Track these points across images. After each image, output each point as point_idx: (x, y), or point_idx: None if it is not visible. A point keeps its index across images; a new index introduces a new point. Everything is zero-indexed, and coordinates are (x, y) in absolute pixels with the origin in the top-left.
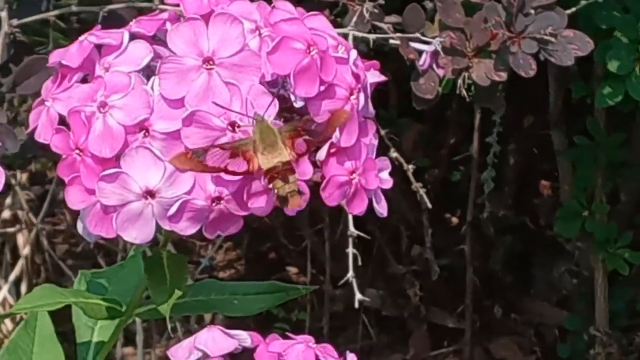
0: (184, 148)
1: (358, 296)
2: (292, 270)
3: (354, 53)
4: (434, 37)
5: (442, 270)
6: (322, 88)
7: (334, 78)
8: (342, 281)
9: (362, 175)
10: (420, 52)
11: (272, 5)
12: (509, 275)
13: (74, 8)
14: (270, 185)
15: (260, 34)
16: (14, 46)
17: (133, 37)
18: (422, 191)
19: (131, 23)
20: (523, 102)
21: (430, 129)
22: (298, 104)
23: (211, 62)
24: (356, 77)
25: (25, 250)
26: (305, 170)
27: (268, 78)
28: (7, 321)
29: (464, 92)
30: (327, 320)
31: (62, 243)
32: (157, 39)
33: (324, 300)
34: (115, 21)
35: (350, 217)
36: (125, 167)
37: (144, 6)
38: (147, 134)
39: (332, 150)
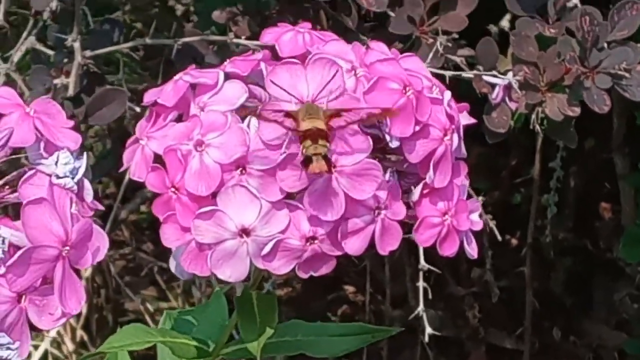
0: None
1: (428, 330)
2: (350, 289)
3: (448, 94)
4: (506, 71)
5: (502, 291)
6: (417, 128)
7: (429, 118)
8: (412, 315)
9: (454, 217)
10: (492, 86)
11: (367, 45)
12: (569, 298)
13: (148, 40)
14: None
15: (356, 74)
16: (87, 77)
17: (227, 77)
18: (492, 224)
19: (225, 63)
20: (585, 125)
21: (491, 152)
22: (393, 145)
23: None
24: (450, 117)
25: (87, 272)
26: (399, 210)
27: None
28: (68, 341)
29: (537, 127)
30: (386, 341)
31: (119, 259)
32: (251, 80)
33: (383, 320)
34: (188, 53)
35: (421, 250)
36: (221, 205)
37: (217, 39)
38: (243, 171)
39: (425, 191)
